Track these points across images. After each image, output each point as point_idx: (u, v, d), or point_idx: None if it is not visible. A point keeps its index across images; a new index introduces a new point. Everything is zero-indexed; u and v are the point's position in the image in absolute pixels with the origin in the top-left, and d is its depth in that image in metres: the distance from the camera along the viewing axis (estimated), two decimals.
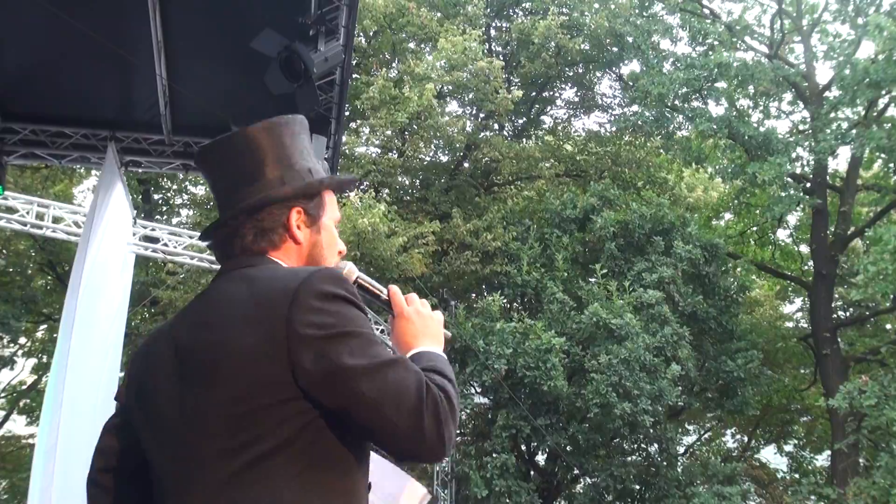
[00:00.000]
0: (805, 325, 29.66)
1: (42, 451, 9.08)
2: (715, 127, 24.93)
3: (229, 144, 2.59)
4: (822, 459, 29.40)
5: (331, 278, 2.27)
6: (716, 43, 25.81)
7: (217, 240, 2.53)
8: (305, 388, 2.14)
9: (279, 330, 2.16)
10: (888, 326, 28.21)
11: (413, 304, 2.54)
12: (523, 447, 25.83)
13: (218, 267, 2.54)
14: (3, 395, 28.46)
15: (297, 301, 2.19)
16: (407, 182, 28.27)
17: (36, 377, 28.46)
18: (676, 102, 26.50)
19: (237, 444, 2.13)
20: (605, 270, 23.60)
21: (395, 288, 2.58)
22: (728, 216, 31.71)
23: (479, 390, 24.01)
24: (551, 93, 30.82)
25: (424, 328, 2.47)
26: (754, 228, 30.50)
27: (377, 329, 20.76)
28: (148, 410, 2.32)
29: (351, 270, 2.54)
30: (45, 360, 27.36)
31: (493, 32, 29.98)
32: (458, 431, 2.24)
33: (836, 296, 26.78)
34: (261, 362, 2.16)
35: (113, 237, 10.34)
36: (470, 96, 25.98)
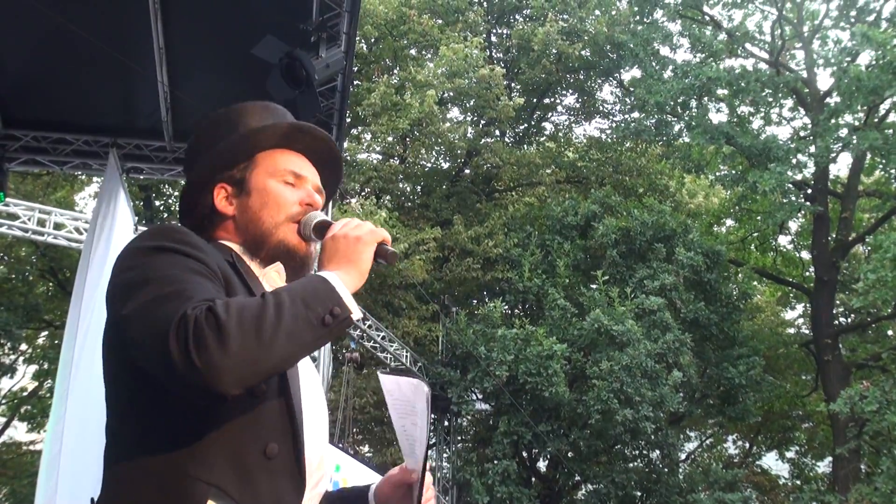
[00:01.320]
0: (806, 332, 29.69)
1: (47, 459, 9.08)
2: (710, 138, 25.03)
3: (194, 134, 2.58)
4: (824, 466, 29.41)
5: (151, 233, 2.18)
6: (718, 49, 25.80)
7: None
8: (115, 354, 2.09)
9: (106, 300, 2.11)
10: (889, 332, 28.23)
11: (334, 229, 2.25)
12: (525, 454, 25.83)
13: None
14: (4, 401, 28.46)
15: (115, 265, 2.12)
16: (408, 188, 28.31)
17: (37, 384, 28.45)
18: (678, 109, 26.53)
19: (106, 423, 2.12)
20: (606, 277, 23.61)
21: (340, 220, 2.32)
22: (729, 222, 31.75)
23: (480, 396, 24.00)
24: (552, 99, 30.87)
25: (332, 252, 2.19)
26: (755, 234, 30.52)
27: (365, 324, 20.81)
28: None
29: (311, 216, 2.36)
30: (46, 366, 27.36)
31: (493, 39, 30.05)
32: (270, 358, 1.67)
33: (838, 302, 26.82)
34: (102, 342, 2.14)
35: (116, 244, 10.34)
36: (471, 103, 26.01)
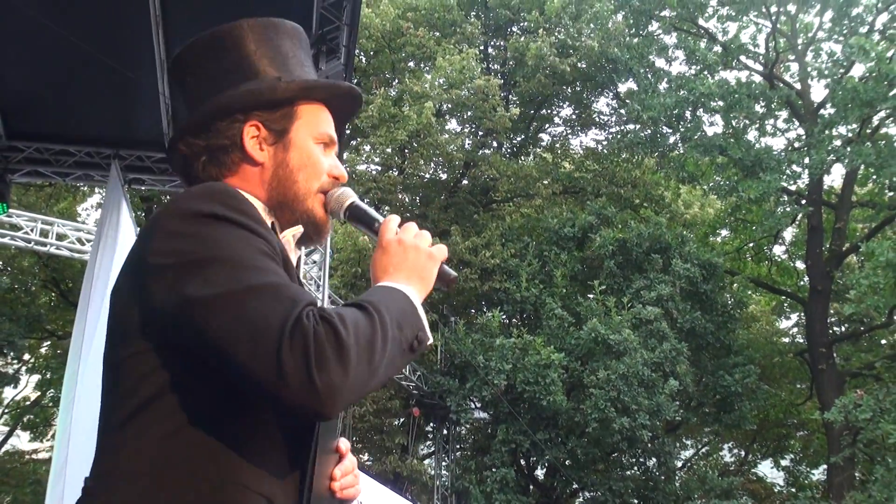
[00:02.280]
0: (801, 341, 29.67)
1: (55, 468, 9.08)
2: (704, 150, 25.18)
3: (193, 51, 2.22)
4: (819, 473, 29.36)
5: (204, 194, 1.88)
6: (712, 61, 25.82)
7: (175, 169, 2.20)
8: (161, 331, 1.81)
9: (139, 265, 1.88)
10: (883, 341, 28.22)
11: (398, 234, 2.06)
12: (523, 461, 25.81)
13: None
14: (7, 411, 28.44)
15: (157, 226, 1.87)
16: (407, 199, 28.30)
17: (39, 393, 28.44)
18: (673, 122, 26.56)
19: (118, 397, 1.85)
20: (603, 287, 23.60)
21: (391, 216, 2.12)
22: (725, 232, 31.74)
23: (478, 405, 24.02)
24: (549, 111, 30.88)
25: (401, 261, 2.00)
26: (751, 245, 30.53)
27: None
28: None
29: (344, 194, 2.17)
30: (48, 376, 27.37)
31: (490, 51, 30.04)
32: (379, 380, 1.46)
33: (832, 311, 26.81)
34: (126, 307, 1.89)
35: (119, 255, 10.34)
36: (469, 114, 26.02)
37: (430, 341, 1.92)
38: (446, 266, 2.09)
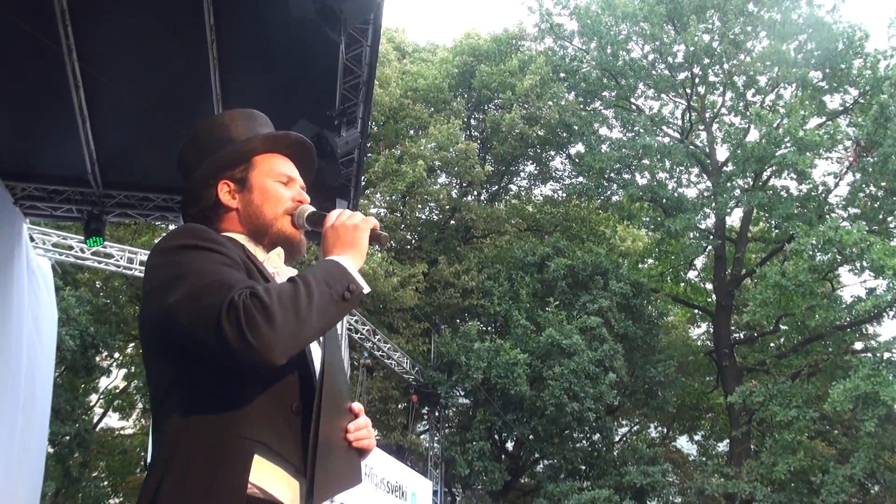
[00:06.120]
0: (709, 344, 29.62)
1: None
2: (641, 193, 25.44)
3: (188, 148, 2.35)
4: (723, 446, 29.28)
5: (177, 233, 2.01)
6: (641, 130, 25.98)
7: None
8: (159, 339, 1.94)
9: (143, 297, 2.00)
10: (771, 344, 28.27)
11: (331, 220, 2.11)
12: (496, 436, 25.77)
13: None
14: (102, 396, 28.41)
15: (147, 265, 1.99)
16: (408, 236, 28.34)
17: (126, 383, 28.43)
18: (612, 175, 26.77)
19: (152, 394, 1.99)
20: (557, 302, 23.67)
21: (332, 212, 2.16)
22: (651, 261, 31.77)
23: (462, 393, 23.98)
24: (517, 167, 30.92)
25: (335, 239, 2.05)
26: (671, 270, 30.59)
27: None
28: None
29: (303, 209, 2.22)
30: (133, 369, 27.40)
31: (473, 122, 30.13)
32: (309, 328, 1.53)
33: (733, 321, 26.83)
34: (142, 328, 2.02)
35: None
36: (456, 170, 26.14)
37: (366, 290, 1.99)
38: (377, 230, 2.11)
